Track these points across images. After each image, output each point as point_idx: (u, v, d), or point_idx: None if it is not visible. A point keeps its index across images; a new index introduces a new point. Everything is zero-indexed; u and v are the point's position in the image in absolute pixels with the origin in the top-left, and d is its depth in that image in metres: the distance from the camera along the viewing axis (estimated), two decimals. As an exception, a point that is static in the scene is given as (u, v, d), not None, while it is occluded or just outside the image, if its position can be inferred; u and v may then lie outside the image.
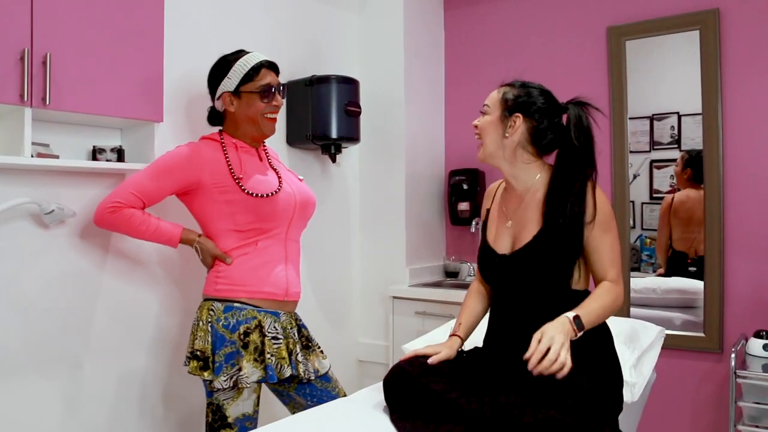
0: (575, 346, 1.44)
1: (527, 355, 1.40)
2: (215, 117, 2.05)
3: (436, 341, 1.94)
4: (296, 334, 1.99)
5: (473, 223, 3.31)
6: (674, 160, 2.89)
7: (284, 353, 1.89)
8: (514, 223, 1.66)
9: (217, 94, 1.98)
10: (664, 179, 2.93)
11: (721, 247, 2.74)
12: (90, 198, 2.12)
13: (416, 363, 1.61)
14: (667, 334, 2.22)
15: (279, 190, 1.94)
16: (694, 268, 2.84)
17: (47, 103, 1.76)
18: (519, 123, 1.61)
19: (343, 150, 3.06)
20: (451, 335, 1.75)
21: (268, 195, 1.90)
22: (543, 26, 3.23)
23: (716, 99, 2.74)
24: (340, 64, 3.21)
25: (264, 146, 2.08)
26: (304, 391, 2.01)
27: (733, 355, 2.36)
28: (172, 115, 2.25)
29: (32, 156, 1.84)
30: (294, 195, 2.00)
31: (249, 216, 1.91)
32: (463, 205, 3.37)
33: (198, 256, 1.97)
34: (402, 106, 3.23)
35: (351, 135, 2.96)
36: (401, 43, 3.23)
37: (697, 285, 2.82)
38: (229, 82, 1.95)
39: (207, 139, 1.99)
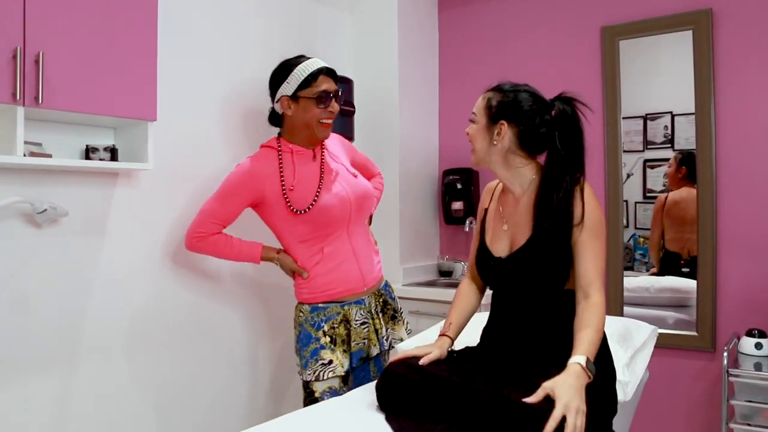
0: (570, 347, 1.44)
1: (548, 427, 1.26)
2: (275, 118, 2.15)
3: (430, 340, 1.94)
4: (380, 311, 2.15)
5: (467, 222, 3.32)
6: (667, 160, 2.89)
7: (372, 335, 2.09)
8: (510, 227, 1.65)
9: (276, 98, 2.08)
10: (657, 178, 2.94)
11: (713, 245, 2.75)
12: (83, 197, 2.11)
13: (407, 365, 1.60)
14: (660, 333, 2.23)
15: (317, 199, 1.99)
16: (687, 269, 2.85)
17: (40, 101, 1.74)
18: (505, 130, 1.59)
19: (337, 149, 3.06)
20: (440, 335, 1.74)
21: (310, 208, 1.98)
22: (537, 26, 3.23)
23: (709, 99, 2.75)
24: (333, 63, 3.17)
25: (321, 143, 2.14)
26: (361, 375, 2.14)
27: (725, 354, 2.38)
28: (165, 114, 2.24)
29: (25, 155, 1.83)
30: (348, 196, 2.06)
31: (306, 227, 2.02)
32: (457, 205, 3.38)
33: (281, 269, 2.15)
34: (396, 106, 3.23)
35: (345, 134, 2.95)
36: (395, 42, 3.23)
37: (690, 284, 2.83)
38: (288, 87, 2.03)
39: (265, 147, 2.09)
